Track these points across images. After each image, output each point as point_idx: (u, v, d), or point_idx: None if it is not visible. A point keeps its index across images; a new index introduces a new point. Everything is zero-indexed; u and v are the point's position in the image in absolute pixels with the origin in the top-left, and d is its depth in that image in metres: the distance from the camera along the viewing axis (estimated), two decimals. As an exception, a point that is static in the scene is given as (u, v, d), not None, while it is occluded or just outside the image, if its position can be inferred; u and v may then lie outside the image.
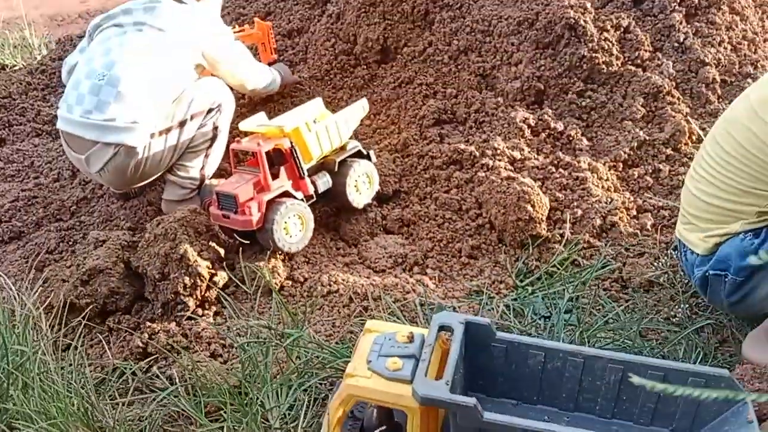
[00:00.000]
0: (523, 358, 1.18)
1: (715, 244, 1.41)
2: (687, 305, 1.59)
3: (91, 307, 1.66)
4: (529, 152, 2.06)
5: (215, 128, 1.98)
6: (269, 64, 2.45)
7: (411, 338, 1.11)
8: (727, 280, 1.39)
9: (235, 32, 2.33)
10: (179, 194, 2.02)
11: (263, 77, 2.24)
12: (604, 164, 2.03)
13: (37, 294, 1.65)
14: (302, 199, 1.80)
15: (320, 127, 1.83)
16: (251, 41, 2.49)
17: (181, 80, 1.94)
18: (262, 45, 2.51)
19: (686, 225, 1.50)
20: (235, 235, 1.80)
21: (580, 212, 1.86)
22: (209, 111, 1.95)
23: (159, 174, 2.01)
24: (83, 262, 1.71)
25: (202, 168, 2.01)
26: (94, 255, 1.72)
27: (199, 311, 1.67)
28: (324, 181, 1.87)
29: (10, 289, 1.53)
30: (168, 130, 1.90)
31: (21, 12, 5.85)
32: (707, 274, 1.43)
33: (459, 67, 2.38)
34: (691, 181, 1.48)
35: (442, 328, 1.13)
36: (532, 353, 1.17)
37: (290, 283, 1.72)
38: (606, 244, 1.81)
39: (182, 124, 1.91)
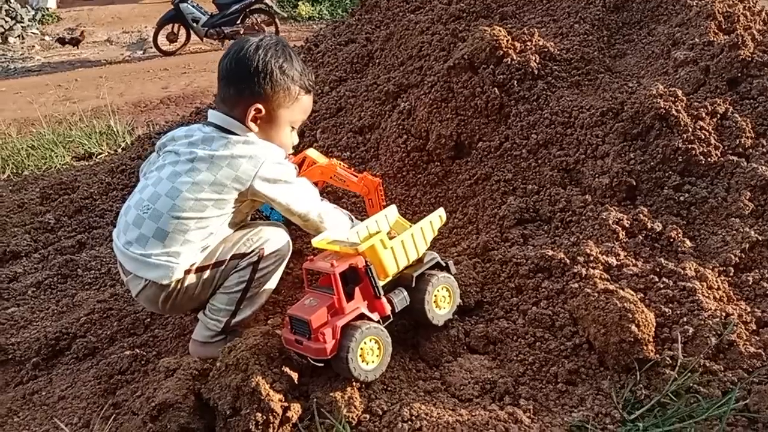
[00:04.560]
0: None
1: None
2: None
3: (160, 445, 1.57)
4: (625, 257, 1.87)
5: (254, 271, 1.84)
6: None
7: None
8: None
9: (340, 176, 2.21)
10: (203, 335, 1.89)
11: (331, 223, 1.95)
12: (712, 269, 1.81)
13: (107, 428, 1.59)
14: (378, 321, 1.68)
15: (396, 243, 1.72)
16: (356, 190, 2.26)
17: (226, 221, 1.84)
18: (369, 201, 2.24)
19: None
20: (309, 359, 1.68)
21: (691, 330, 1.64)
22: (249, 253, 1.83)
23: (197, 305, 1.91)
24: (153, 395, 1.64)
25: (233, 315, 1.87)
26: (164, 387, 1.64)
27: (272, 449, 1.54)
28: (401, 299, 1.74)
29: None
30: (204, 268, 1.82)
31: (107, 101, 6.22)
32: None
33: (539, 161, 2.24)
34: None
35: None
36: None
37: (368, 417, 1.58)
38: (724, 368, 1.59)
39: (218, 264, 1.83)
